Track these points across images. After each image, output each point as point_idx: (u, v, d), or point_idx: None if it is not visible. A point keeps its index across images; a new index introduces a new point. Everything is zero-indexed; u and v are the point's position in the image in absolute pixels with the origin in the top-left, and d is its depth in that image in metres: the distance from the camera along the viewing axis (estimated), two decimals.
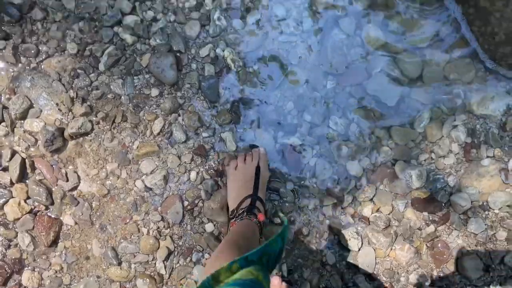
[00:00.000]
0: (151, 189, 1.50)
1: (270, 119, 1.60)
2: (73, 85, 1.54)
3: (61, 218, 1.49)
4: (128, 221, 1.48)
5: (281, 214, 1.52)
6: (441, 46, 1.66)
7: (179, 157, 1.52)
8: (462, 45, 1.64)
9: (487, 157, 1.55)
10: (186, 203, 1.50)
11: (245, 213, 1.31)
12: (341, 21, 1.67)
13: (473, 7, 1.54)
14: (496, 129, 1.58)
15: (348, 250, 1.52)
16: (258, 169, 1.44)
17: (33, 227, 1.46)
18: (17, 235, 1.46)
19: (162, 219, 1.49)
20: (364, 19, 1.66)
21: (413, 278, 1.52)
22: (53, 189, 1.49)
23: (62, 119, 1.51)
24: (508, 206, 1.50)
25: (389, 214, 1.54)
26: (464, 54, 1.64)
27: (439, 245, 1.52)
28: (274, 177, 1.55)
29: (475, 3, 1.53)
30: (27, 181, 1.49)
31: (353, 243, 1.52)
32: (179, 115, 1.56)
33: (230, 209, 1.41)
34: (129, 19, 1.59)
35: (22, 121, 1.51)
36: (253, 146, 1.55)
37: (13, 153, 1.47)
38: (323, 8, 1.67)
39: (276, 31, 1.65)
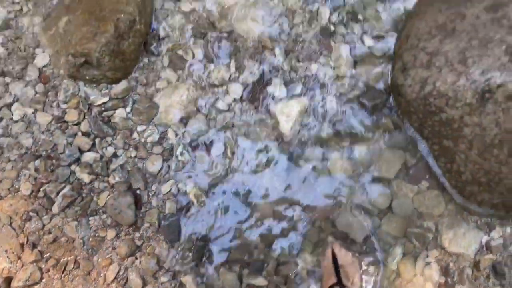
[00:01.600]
0: None
1: (235, 257, 1.52)
2: (24, 229, 1.46)
3: None
4: None
5: None
6: (409, 177, 1.62)
7: None
8: (431, 177, 1.61)
9: None
10: None
11: None
12: (308, 151, 1.63)
13: (437, 144, 1.53)
14: (470, 269, 1.51)
15: None
16: None
17: None
18: None
19: None
20: (331, 148, 1.63)
21: None
22: None
23: (10, 267, 1.41)
24: None
25: None
26: (433, 186, 1.60)
27: None
28: None
29: (439, 141, 1.51)
30: None
31: None
32: (136, 258, 1.47)
33: None
34: (88, 157, 1.54)
35: None
36: None
37: None
38: (289, 139, 1.64)
39: (241, 164, 1.61)
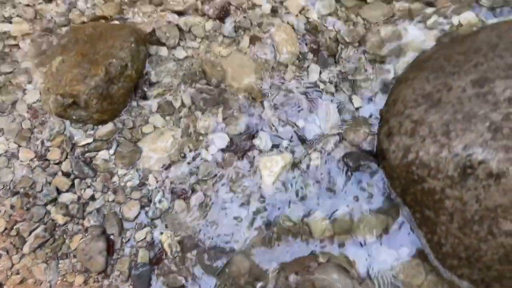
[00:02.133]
0: None
1: None
2: None
3: None
4: None
5: None
6: (390, 243, 1.58)
7: None
8: (412, 245, 1.57)
9: None
10: None
11: None
12: (289, 208, 1.61)
13: (419, 213, 1.50)
14: None
15: None
16: None
17: None
18: None
19: None
20: (313, 207, 1.61)
21: None
22: None
23: None
24: None
25: None
26: (414, 254, 1.56)
27: None
28: None
29: (421, 210, 1.49)
30: None
31: None
32: None
33: None
34: (65, 197, 1.53)
35: None
36: None
37: None
38: (270, 194, 1.62)
39: (220, 213, 1.59)
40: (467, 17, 1.79)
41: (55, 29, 1.78)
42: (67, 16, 1.80)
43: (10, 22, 1.77)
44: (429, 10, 1.81)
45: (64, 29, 1.78)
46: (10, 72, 1.69)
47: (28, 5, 1.79)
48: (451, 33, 1.77)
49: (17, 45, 1.73)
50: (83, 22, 1.80)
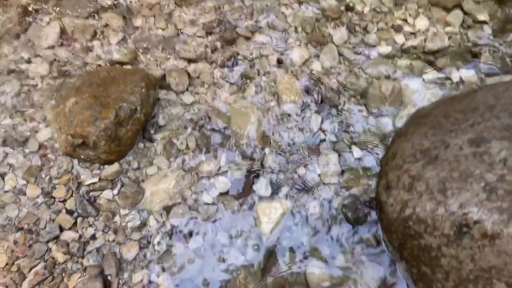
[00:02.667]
0: None
1: None
2: None
3: None
4: None
5: None
6: None
7: None
8: None
9: None
10: None
11: None
12: (287, 256, 1.62)
13: (416, 268, 1.49)
14: None
15: None
16: None
17: None
18: None
19: None
20: (310, 257, 1.61)
21: None
22: None
23: None
24: None
25: None
26: None
27: None
28: None
29: (417, 265, 1.48)
30: None
31: None
32: None
33: None
34: (67, 235, 1.56)
35: None
36: None
37: None
38: (269, 241, 1.63)
39: (217, 259, 1.60)
40: (467, 75, 1.85)
41: (72, 71, 1.88)
42: (84, 60, 1.90)
43: (29, 63, 1.87)
44: (429, 67, 1.87)
45: (80, 71, 1.87)
46: (26, 110, 1.77)
47: (48, 48, 1.90)
48: (450, 90, 1.82)
49: (35, 85, 1.82)
50: (99, 66, 1.89)
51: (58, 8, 1.97)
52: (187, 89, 1.87)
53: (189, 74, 1.90)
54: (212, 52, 1.95)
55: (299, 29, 2.01)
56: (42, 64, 1.87)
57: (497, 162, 1.36)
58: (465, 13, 1.96)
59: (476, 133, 1.46)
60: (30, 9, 1.96)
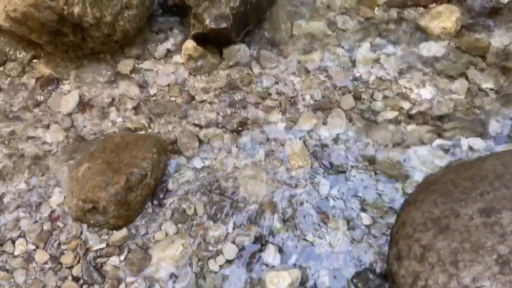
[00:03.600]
0: None
1: None
2: None
3: None
4: None
5: None
6: None
7: None
8: None
9: None
10: None
11: None
12: None
13: None
14: None
15: None
16: None
17: None
18: None
19: None
20: None
21: None
22: None
23: None
24: None
25: None
26: None
27: None
28: None
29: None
30: None
31: None
32: None
33: None
34: None
35: None
36: None
37: None
38: None
39: None
40: (474, 142, 1.86)
41: (87, 137, 1.95)
42: (99, 126, 1.98)
43: (48, 128, 1.96)
44: (437, 134, 1.89)
45: (95, 137, 1.94)
46: (42, 175, 1.82)
47: (66, 115, 2.00)
48: (458, 157, 1.82)
49: (50, 150, 1.89)
50: (114, 132, 1.97)
51: (78, 78, 2.08)
52: (197, 154, 1.92)
53: (200, 139, 1.95)
54: (223, 117, 2.02)
55: (307, 96, 2.08)
56: (59, 131, 1.95)
57: (508, 233, 1.33)
58: (470, 81, 2.01)
59: (486, 202, 1.44)
60: (52, 78, 2.08)
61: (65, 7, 1.78)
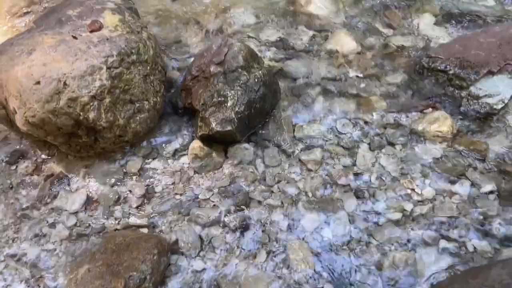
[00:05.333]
0: None
1: None
2: None
3: None
4: None
5: None
6: None
7: None
8: None
9: None
10: None
11: None
12: None
13: None
14: None
15: None
16: None
17: None
18: None
19: None
20: None
21: None
22: None
23: None
24: None
25: None
26: None
27: None
28: None
29: None
30: None
31: None
32: None
33: None
34: None
35: None
36: None
37: None
38: None
39: None
40: (480, 244, 1.83)
41: (91, 235, 1.96)
42: (103, 224, 2.00)
43: (54, 227, 1.99)
44: (442, 237, 1.88)
45: (98, 236, 1.95)
46: (40, 276, 1.81)
47: (72, 213, 2.03)
48: (464, 260, 1.78)
49: (53, 250, 1.90)
50: (116, 230, 1.98)
51: (87, 175, 2.16)
52: (198, 255, 1.90)
53: (201, 239, 1.95)
54: (225, 216, 2.03)
55: (310, 194, 2.10)
56: (64, 229, 1.97)
57: None
58: (471, 183, 2.04)
59: None
60: (62, 176, 2.16)
61: (81, 113, 1.91)
